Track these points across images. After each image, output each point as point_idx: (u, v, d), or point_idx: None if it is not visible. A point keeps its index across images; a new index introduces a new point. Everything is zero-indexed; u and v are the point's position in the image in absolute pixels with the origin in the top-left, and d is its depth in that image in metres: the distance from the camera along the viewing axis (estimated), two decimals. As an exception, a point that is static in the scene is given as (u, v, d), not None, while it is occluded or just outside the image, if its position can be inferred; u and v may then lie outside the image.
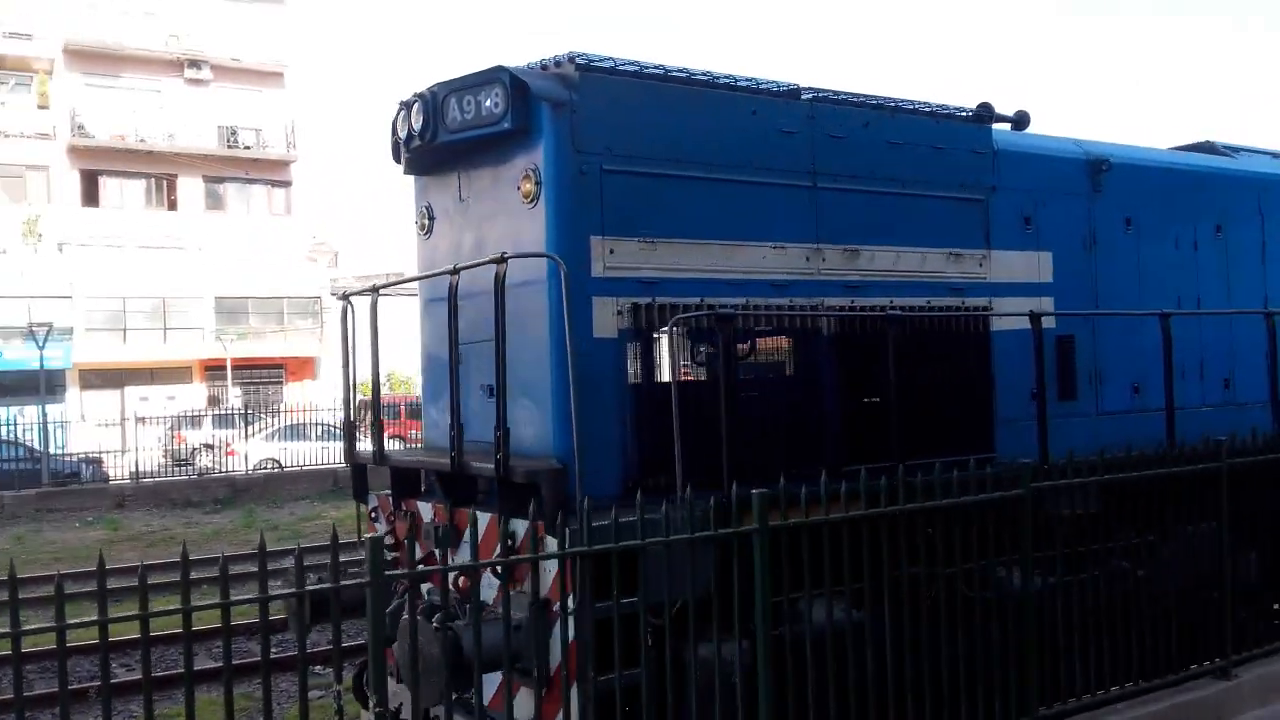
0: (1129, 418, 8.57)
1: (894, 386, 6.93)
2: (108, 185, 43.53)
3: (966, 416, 7.77)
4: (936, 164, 7.79)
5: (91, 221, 42.09)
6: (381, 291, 7.09)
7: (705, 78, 6.95)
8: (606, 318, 6.43)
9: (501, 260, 6.00)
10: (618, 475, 6.40)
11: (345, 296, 7.48)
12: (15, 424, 30.96)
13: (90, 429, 33.59)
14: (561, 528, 5.85)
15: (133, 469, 30.06)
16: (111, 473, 30.77)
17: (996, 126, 8.58)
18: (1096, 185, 8.71)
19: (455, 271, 6.35)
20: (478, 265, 6.21)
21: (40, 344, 31.66)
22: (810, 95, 7.36)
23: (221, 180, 45.71)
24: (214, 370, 42.77)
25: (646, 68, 6.76)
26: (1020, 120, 8.70)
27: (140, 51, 42.86)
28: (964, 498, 6.06)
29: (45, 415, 31.03)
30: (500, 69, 6.44)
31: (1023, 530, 6.30)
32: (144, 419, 32.14)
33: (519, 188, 6.53)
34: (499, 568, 5.75)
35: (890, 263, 7.58)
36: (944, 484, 6.02)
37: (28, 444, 30.39)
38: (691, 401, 6.45)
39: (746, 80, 7.14)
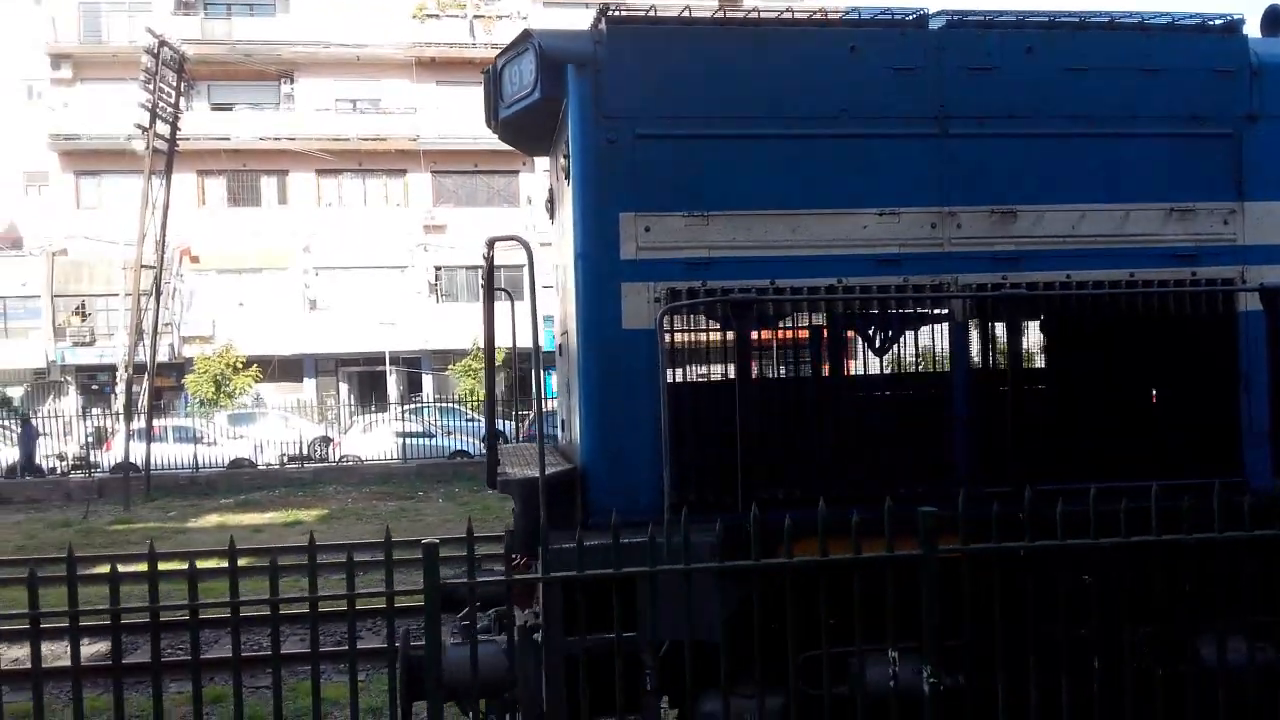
0: None
1: (1011, 384, 5.32)
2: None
3: (1192, 429, 5.74)
4: (1150, 91, 5.81)
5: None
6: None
7: (780, 15, 5.81)
8: (639, 306, 5.62)
9: (489, 245, 5.54)
10: (655, 488, 5.58)
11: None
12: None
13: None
14: (501, 552, 5.31)
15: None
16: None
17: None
18: None
19: (489, 260, 5.97)
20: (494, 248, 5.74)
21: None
22: (943, 21, 5.86)
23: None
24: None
25: (698, 12, 5.81)
26: (1345, 19, 6.23)
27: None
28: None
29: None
30: (526, 33, 5.90)
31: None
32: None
33: (561, 164, 5.97)
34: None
35: (1068, 225, 5.80)
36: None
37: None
38: (759, 405, 5.48)
39: (846, 12, 5.86)
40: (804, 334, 6.02)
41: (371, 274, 41.35)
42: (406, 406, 35.56)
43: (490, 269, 5.56)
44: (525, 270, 5.36)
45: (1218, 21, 5.95)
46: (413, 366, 42.35)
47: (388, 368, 40.23)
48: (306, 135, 41.30)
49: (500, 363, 35.52)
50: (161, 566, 4.59)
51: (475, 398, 36.99)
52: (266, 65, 42.49)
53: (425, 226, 42.16)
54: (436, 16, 41.97)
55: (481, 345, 5.40)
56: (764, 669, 4.72)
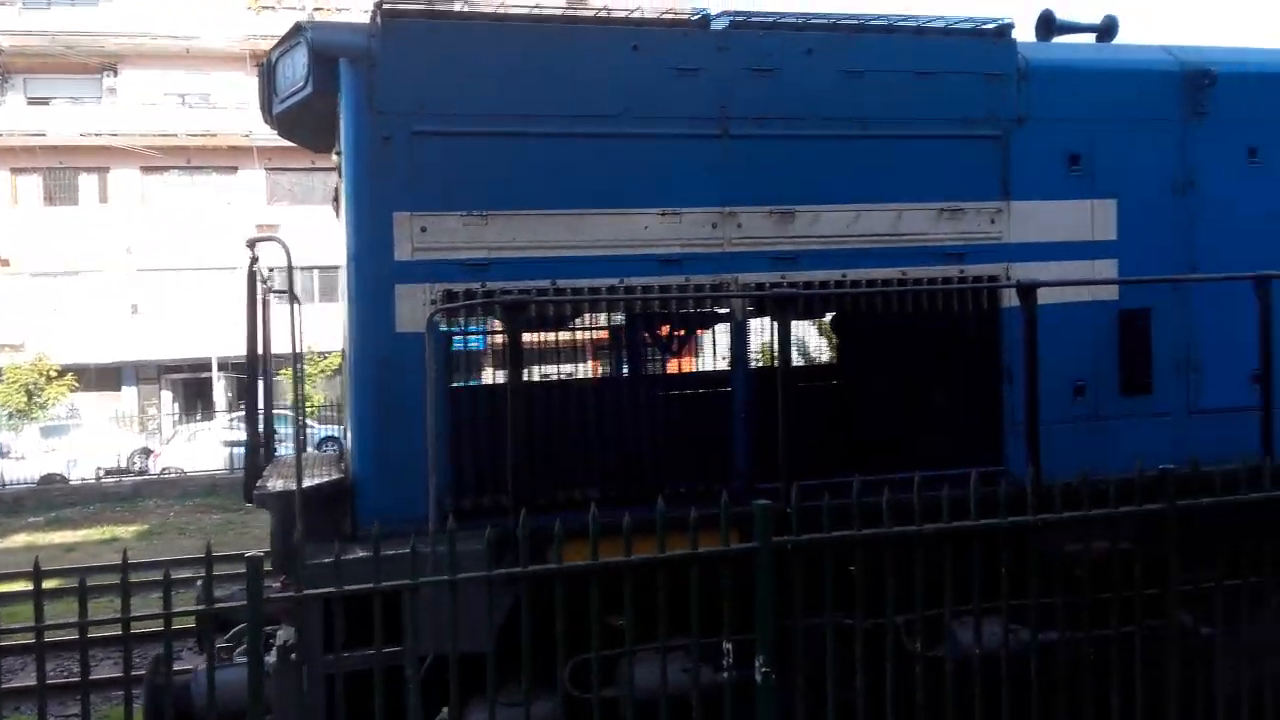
0: (1240, 417, 6.12)
1: (782, 381, 5.38)
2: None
3: (954, 421, 5.93)
4: (922, 94, 5.98)
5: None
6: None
7: (563, 12, 5.76)
8: (415, 309, 5.47)
9: (250, 246, 5.33)
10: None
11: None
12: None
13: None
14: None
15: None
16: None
17: (1073, 38, 6.51)
18: (1197, 107, 6.27)
19: (253, 261, 5.75)
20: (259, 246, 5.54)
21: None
22: (726, 21, 5.90)
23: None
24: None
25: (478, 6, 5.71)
26: (1107, 29, 6.53)
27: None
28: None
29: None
30: (297, 25, 5.70)
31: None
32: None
33: (335, 160, 5.79)
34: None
35: (843, 226, 5.91)
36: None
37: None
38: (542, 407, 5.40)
39: (631, 11, 5.85)
40: (584, 335, 5.98)
41: (200, 276, 39.76)
42: (234, 414, 34.27)
43: (252, 271, 5.34)
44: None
45: (990, 25, 6.15)
46: (242, 372, 40.92)
47: (215, 374, 38.75)
48: (130, 131, 39.39)
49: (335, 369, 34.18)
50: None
51: (311, 403, 35.97)
52: (88, 57, 40.51)
53: (258, 226, 40.71)
54: (273, 9, 40.71)
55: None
56: (532, 677, 4.59)
